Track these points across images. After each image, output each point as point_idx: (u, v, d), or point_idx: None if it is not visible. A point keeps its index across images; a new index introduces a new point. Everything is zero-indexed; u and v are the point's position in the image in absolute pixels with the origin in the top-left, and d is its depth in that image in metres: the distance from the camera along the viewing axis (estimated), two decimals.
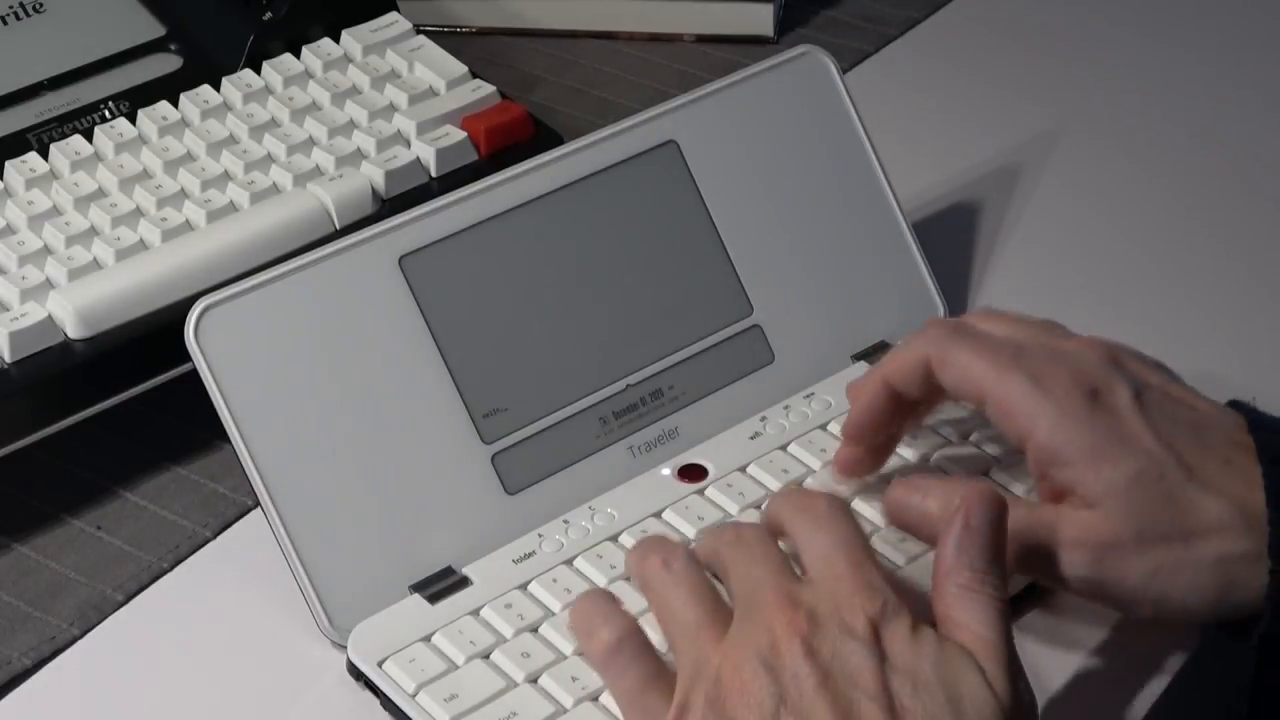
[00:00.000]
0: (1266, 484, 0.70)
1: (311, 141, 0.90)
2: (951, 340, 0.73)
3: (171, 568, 0.79)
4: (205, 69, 0.93)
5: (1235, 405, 0.74)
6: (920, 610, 0.65)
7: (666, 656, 0.67)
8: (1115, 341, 0.75)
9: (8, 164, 0.87)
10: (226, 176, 0.88)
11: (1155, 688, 0.74)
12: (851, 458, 0.77)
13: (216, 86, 0.92)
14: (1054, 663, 0.74)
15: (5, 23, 0.92)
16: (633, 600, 0.71)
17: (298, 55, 0.94)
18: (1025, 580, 0.74)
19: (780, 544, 0.68)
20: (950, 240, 0.94)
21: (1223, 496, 0.70)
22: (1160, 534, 0.70)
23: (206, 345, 0.74)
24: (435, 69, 0.94)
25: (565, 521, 0.77)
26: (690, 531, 0.77)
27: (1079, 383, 0.71)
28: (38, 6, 0.93)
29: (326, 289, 0.76)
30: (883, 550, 0.75)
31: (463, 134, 0.91)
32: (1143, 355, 0.75)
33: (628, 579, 0.75)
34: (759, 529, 0.68)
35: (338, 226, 0.86)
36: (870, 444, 0.77)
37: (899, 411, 0.76)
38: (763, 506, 0.78)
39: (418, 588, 0.75)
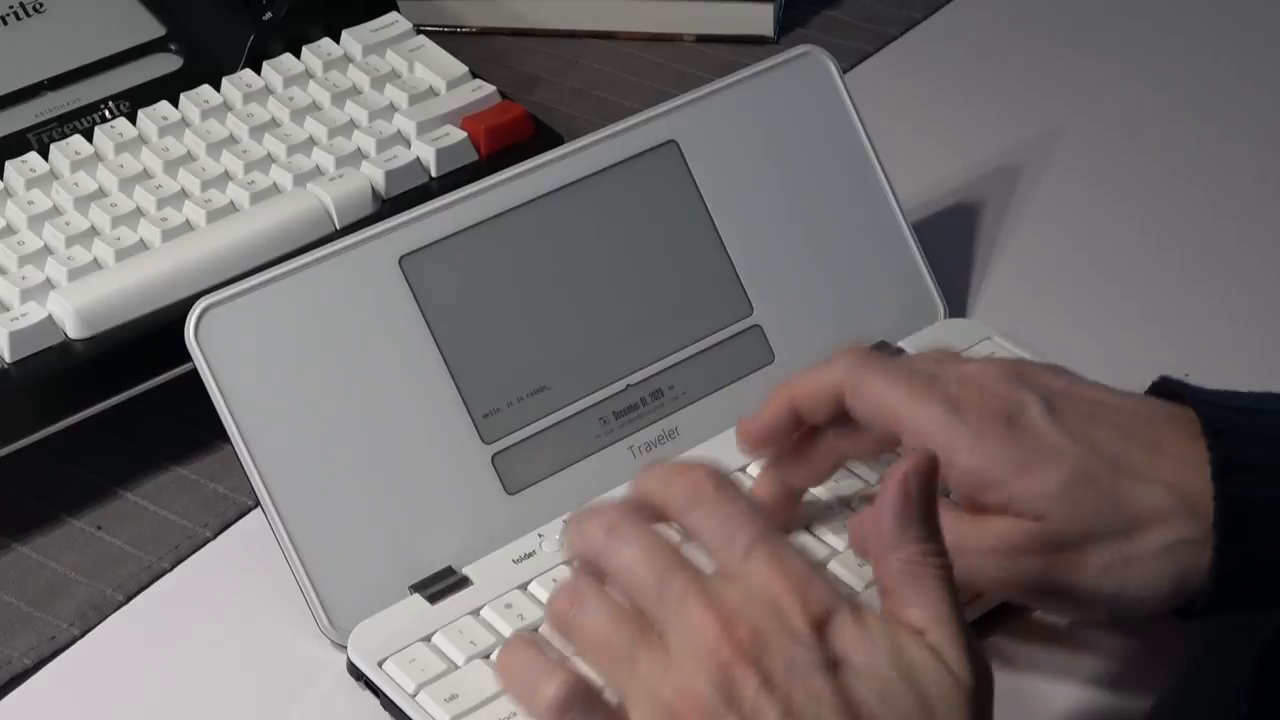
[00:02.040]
0: (1212, 456, 0.69)
1: (311, 141, 0.90)
2: (864, 368, 0.72)
3: (171, 568, 0.79)
4: (205, 69, 0.93)
5: (1165, 382, 0.74)
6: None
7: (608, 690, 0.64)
8: (1011, 358, 0.75)
9: (8, 164, 0.87)
10: (226, 176, 0.88)
11: (1155, 689, 0.74)
12: (773, 495, 0.76)
13: (216, 86, 0.92)
14: (1054, 665, 0.74)
15: (5, 23, 0.92)
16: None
17: (298, 55, 0.94)
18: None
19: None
20: (950, 240, 0.94)
21: (1158, 484, 0.70)
22: (1105, 530, 0.69)
23: (206, 345, 0.74)
24: (435, 69, 0.94)
25: (565, 521, 0.77)
26: None
27: (991, 405, 0.71)
28: (38, 6, 0.93)
29: (326, 289, 0.76)
30: (841, 574, 0.74)
31: (463, 134, 0.91)
32: (1041, 364, 0.75)
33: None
34: (629, 513, 0.64)
35: (338, 226, 0.86)
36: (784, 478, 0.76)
37: (796, 431, 0.75)
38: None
39: (418, 588, 0.75)
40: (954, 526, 0.68)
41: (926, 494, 0.64)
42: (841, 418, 0.73)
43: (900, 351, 0.84)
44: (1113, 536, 0.69)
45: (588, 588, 0.64)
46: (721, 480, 0.64)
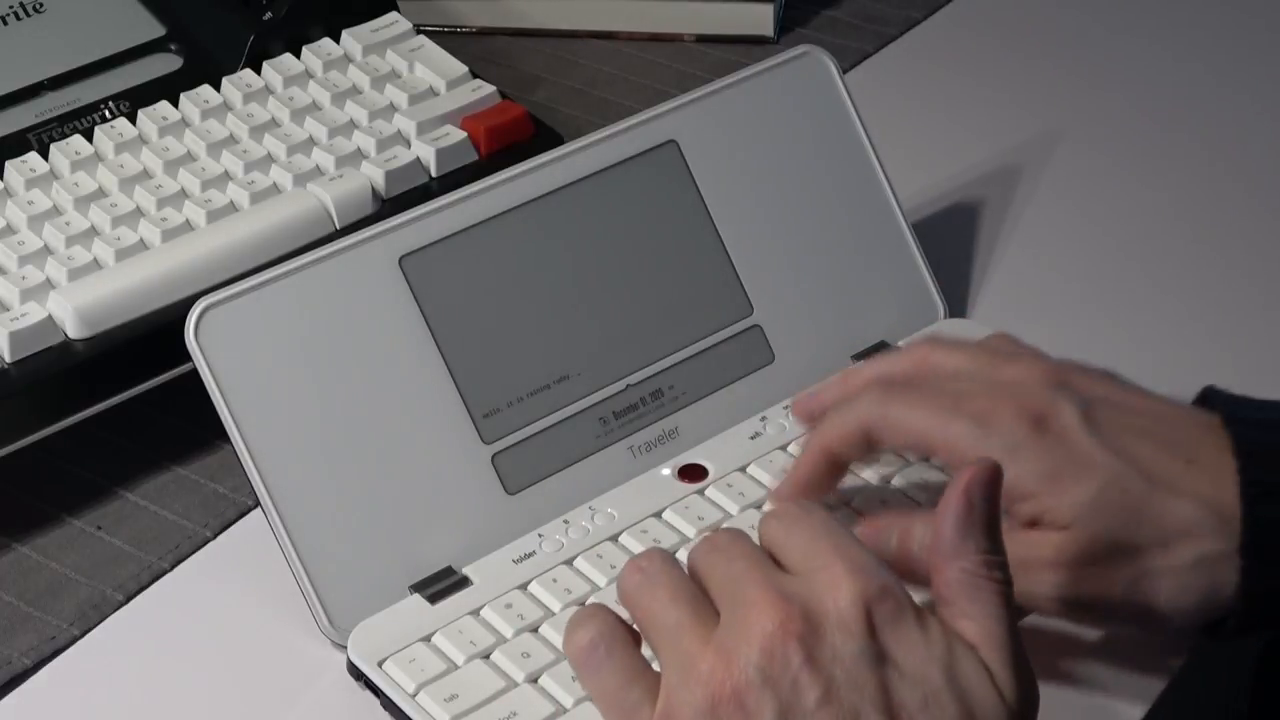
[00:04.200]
0: (1241, 479, 0.69)
1: (311, 141, 0.90)
2: (887, 400, 0.72)
3: (171, 568, 0.79)
4: (205, 69, 0.93)
5: (1212, 393, 0.74)
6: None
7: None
8: (1058, 359, 0.74)
9: (8, 164, 0.87)
10: (226, 176, 0.88)
11: (1155, 687, 0.74)
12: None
13: (216, 86, 0.92)
14: (1053, 663, 0.74)
15: (5, 23, 0.92)
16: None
17: (298, 55, 0.94)
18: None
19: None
20: (950, 240, 0.94)
21: (1190, 498, 0.69)
22: (1135, 544, 0.69)
23: (206, 345, 0.74)
24: (435, 69, 0.94)
25: (565, 521, 0.77)
26: (690, 531, 0.77)
27: (1023, 414, 0.70)
28: (38, 6, 0.93)
29: (326, 289, 0.76)
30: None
31: (463, 134, 0.91)
32: (1087, 367, 0.74)
33: None
34: (729, 531, 0.65)
35: (338, 226, 0.86)
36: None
37: (838, 474, 0.75)
38: (762, 511, 0.78)
39: (418, 588, 0.75)
40: None
41: (990, 503, 0.63)
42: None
43: None
44: (1141, 549, 0.69)
45: (659, 559, 0.64)
46: (799, 500, 0.66)
